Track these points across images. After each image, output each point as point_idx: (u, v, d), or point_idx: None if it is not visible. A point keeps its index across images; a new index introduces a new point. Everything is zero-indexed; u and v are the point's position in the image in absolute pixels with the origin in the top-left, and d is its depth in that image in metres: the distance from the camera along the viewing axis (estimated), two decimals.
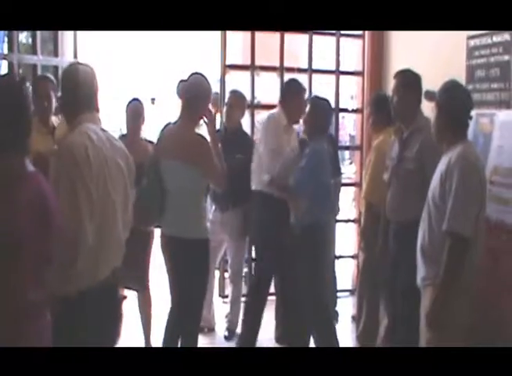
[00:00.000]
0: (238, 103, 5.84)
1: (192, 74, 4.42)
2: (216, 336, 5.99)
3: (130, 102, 5.19)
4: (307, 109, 4.92)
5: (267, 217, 5.24)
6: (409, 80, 4.29)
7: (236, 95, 5.88)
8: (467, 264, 3.39)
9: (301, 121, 4.99)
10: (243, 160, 5.58)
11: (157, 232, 4.61)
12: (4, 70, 5.51)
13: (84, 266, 2.86)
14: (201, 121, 4.48)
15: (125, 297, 3.31)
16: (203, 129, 4.56)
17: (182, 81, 4.53)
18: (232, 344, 5.76)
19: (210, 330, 6.02)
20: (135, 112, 5.17)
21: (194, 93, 4.32)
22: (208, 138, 4.33)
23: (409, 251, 3.70)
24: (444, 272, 3.37)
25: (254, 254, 6.18)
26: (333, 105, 5.87)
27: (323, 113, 4.95)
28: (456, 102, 3.58)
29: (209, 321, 6.01)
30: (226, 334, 5.94)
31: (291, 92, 5.42)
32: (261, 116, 5.64)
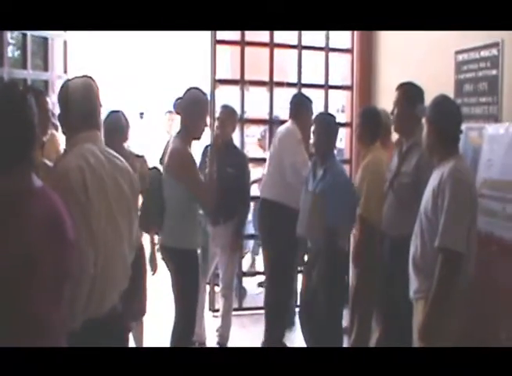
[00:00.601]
0: (229, 118, 5.86)
1: (189, 89, 4.48)
2: None
3: (108, 115, 4.87)
4: (314, 126, 4.87)
5: (282, 227, 5.34)
6: (411, 93, 4.27)
7: (228, 110, 5.89)
8: (459, 278, 3.41)
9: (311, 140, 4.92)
10: (234, 174, 5.63)
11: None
12: None
13: (87, 298, 2.75)
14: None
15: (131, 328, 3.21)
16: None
17: (179, 98, 4.56)
18: None
19: (201, 344, 6.00)
20: (113, 125, 4.85)
21: (189, 110, 4.41)
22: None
23: (403, 265, 3.71)
24: (436, 286, 3.38)
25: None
26: None
27: (334, 130, 4.93)
28: (446, 116, 3.60)
29: (200, 335, 5.97)
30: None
31: (304, 106, 5.71)
32: (284, 127, 5.78)
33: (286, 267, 5.33)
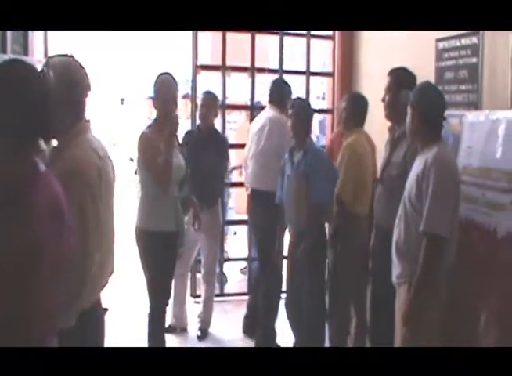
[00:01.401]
0: (212, 103, 5.89)
1: (160, 74, 4.50)
2: (188, 336, 5.99)
3: None
4: (291, 111, 4.95)
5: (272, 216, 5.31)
6: (403, 78, 4.25)
7: (210, 96, 5.93)
8: (442, 262, 3.46)
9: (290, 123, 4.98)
10: (216, 159, 5.68)
11: None
12: None
13: (87, 293, 2.79)
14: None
15: (106, 309, 3.20)
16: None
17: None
18: (204, 343, 5.79)
19: (183, 330, 6.03)
20: None
21: (156, 95, 4.45)
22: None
23: (389, 255, 3.75)
24: (420, 271, 3.42)
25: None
26: None
27: (310, 114, 5.06)
28: (429, 102, 3.62)
29: (181, 321, 6.02)
30: (199, 333, 5.94)
31: (284, 92, 5.78)
32: (275, 117, 5.70)
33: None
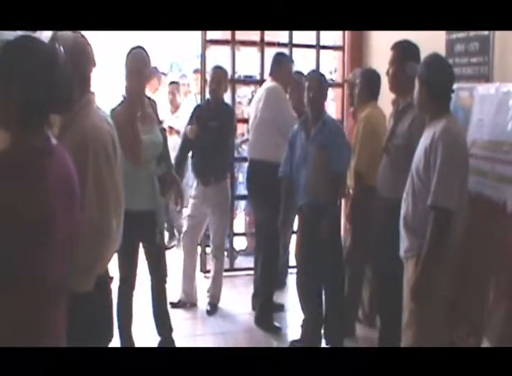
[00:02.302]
0: (222, 78, 5.87)
1: (132, 48, 4.39)
2: (198, 311, 6.02)
3: None
4: (307, 83, 4.93)
5: (273, 186, 5.28)
6: (407, 50, 4.21)
7: (220, 71, 5.90)
8: (451, 237, 3.43)
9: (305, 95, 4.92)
10: (225, 133, 5.74)
11: None
12: None
13: (108, 258, 2.91)
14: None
15: (112, 278, 3.25)
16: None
17: None
18: (213, 318, 5.82)
19: (192, 305, 6.05)
20: None
21: (125, 69, 4.36)
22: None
23: (397, 227, 3.71)
24: (428, 245, 3.40)
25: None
26: None
27: (326, 86, 5.09)
28: (438, 74, 3.57)
29: (191, 296, 6.04)
30: (208, 308, 5.96)
31: (283, 64, 5.79)
32: (270, 87, 5.74)
33: (276, 227, 5.24)
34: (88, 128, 2.80)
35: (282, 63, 5.81)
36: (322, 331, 4.91)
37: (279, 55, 6.00)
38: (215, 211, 5.86)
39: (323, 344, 4.90)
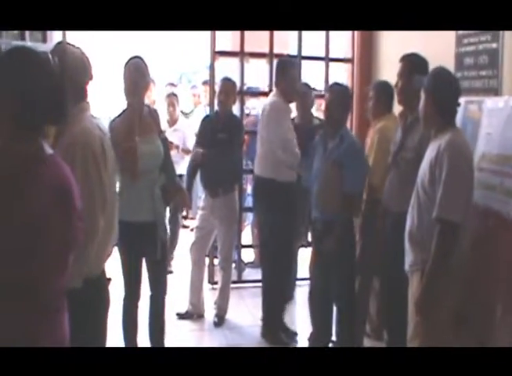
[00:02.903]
0: (230, 90, 5.88)
1: (130, 58, 4.33)
2: (205, 322, 6.01)
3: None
4: (328, 96, 4.73)
5: (277, 204, 5.32)
6: (416, 64, 4.22)
7: (228, 82, 5.92)
8: (456, 250, 3.42)
9: (324, 108, 4.80)
10: (233, 145, 5.73)
11: None
12: None
13: (92, 257, 2.94)
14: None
15: (110, 279, 3.31)
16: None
17: None
18: (221, 330, 5.80)
19: (200, 316, 6.04)
20: None
21: (123, 79, 4.30)
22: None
23: (401, 241, 3.71)
24: (433, 257, 3.39)
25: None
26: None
27: (349, 101, 5.04)
28: (444, 87, 3.58)
29: (198, 308, 6.04)
30: (216, 320, 5.94)
31: (285, 69, 5.54)
32: (272, 102, 5.48)
33: (282, 243, 5.30)
34: (77, 132, 2.94)
35: (285, 70, 5.54)
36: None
37: (282, 61, 5.86)
38: (223, 223, 5.85)
39: None
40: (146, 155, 4.18)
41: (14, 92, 2.18)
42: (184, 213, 5.34)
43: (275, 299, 5.63)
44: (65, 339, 2.35)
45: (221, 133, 5.69)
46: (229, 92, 5.86)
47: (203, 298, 6.10)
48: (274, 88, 5.69)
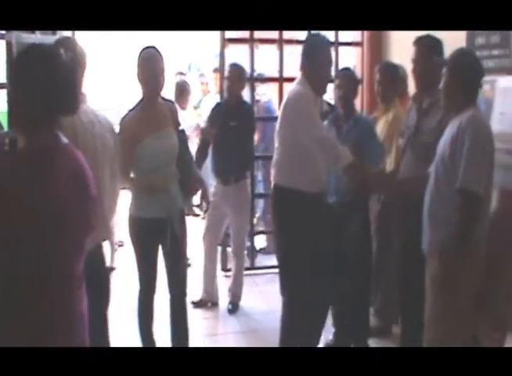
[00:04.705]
0: (239, 76, 5.85)
1: (144, 48, 4.08)
2: (219, 310, 6.02)
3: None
4: (339, 81, 4.79)
5: (297, 218, 4.21)
6: (431, 45, 4.14)
7: (236, 68, 5.89)
8: (478, 226, 3.39)
9: (336, 93, 4.81)
10: (244, 132, 5.74)
11: None
12: (2, 49, 5.46)
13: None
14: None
15: (113, 268, 3.36)
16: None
17: None
18: (235, 317, 5.83)
19: (214, 304, 6.05)
20: None
21: (140, 70, 4.07)
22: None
23: (421, 226, 3.68)
24: (456, 231, 3.34)
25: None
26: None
27: (358, 84, 5.02)
28: (468, 67, 3.54)
29: (212, 295, 6.05)
30: (230, 307, 5.96)
31: (314, 49, 4.29)
32: (292, 91, 4.26)
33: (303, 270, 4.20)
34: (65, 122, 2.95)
35: (315, 50, 4.27)
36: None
37: (311, 38, 4.58)
38: (235, 211, 5.85)
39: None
40: (157, 151, 4.03)
41: (32, 90, 2.28)
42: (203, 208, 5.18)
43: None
44: (85, 312, 2.46)
45: (233, 121, 5.67)
46: (238, 77, 5.83)
47: (217, 286, 6.11)
48: (299, 74, 4.34)
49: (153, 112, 4.08)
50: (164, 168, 4.10)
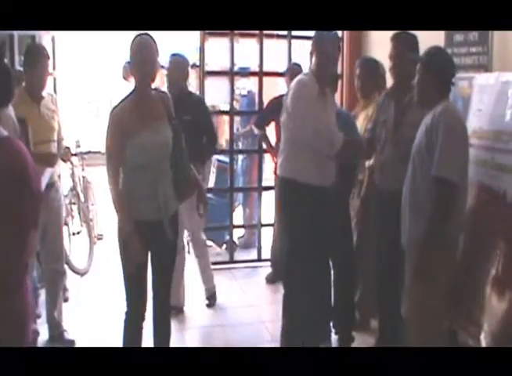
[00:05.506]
0: (178, 66, 5.60)
1: (137, 35, 3.74)
2: (184, 317, 5.71)
3: None
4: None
5: (302, 207, 4.25)
6: (407, 42, 4.21)
7: (175, 58, 5.66)
8: (454, 218, 3.45)
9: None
10: (191, 121, 5.14)
11: None
12: None
13: None
14: None
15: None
16: None
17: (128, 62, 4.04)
18: (213, 310, 5.80)
19: (179, 310, 5.64)
20: None
21: (133, 59, 3.74)
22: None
23: (398, 218, 3.74)
24: (432, 219, 3.42)
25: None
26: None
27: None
28: (441, 63, 3.62)
29: (178, 300, 5.62)
30: (207, 302, 5.87)
31: (318, 43, 4.26)
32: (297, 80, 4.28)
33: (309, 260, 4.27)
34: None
35: (319, 44, 4.25)
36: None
37: (318, 33, 4.31)
38: (185, 211, 5.01)
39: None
40: (147, 147, 3.65)
41: None
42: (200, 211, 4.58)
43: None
44: (27, 314, 2.45)
45: (185, 115, 4.94)
46: (176, 68, 5.57)
47: (183, 291, 5.77)
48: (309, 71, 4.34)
49: (145, 103, 3.74)
50: (152, 167, 3.72)
